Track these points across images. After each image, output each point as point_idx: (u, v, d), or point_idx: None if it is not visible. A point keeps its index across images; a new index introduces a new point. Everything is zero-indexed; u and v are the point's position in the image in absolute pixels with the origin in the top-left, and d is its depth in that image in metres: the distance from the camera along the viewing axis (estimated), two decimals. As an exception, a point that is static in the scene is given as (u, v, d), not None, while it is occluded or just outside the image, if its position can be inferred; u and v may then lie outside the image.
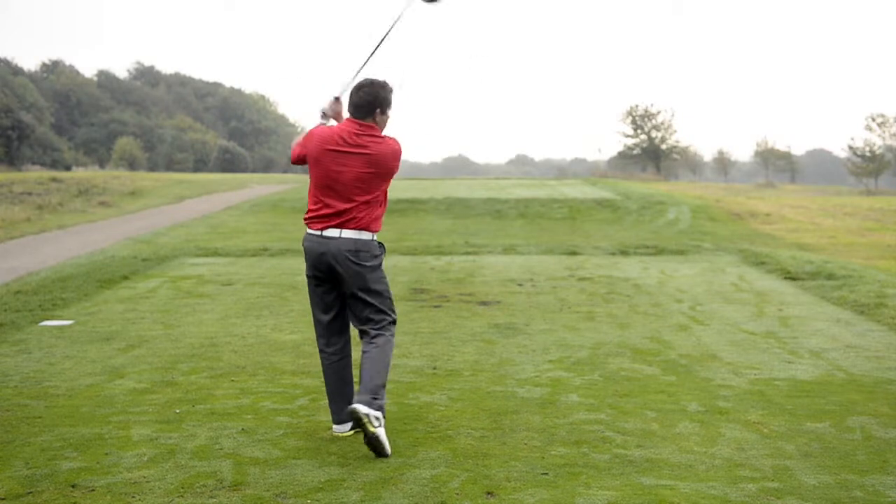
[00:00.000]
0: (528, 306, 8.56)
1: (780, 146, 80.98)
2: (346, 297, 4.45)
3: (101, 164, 64.79)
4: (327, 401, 4.65)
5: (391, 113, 4.46)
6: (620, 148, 79.17)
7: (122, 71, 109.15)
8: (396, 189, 26.97)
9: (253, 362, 6.18)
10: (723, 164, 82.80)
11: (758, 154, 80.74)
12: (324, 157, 4.35)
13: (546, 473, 3.93)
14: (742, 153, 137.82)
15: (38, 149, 61.93)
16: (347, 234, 4.31)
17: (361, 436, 4.23)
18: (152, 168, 68.76)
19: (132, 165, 63.41)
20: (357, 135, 4.33)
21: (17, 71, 72.51)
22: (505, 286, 9.97)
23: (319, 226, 4.37)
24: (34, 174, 36.11)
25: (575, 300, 8.98)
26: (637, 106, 77.84)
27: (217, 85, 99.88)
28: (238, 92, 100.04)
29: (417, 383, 5.58)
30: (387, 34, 4.65)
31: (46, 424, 4.66)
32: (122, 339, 6.95)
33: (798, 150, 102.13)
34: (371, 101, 4.34)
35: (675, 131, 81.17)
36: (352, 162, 4.30)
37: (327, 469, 4.00)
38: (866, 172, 66.03)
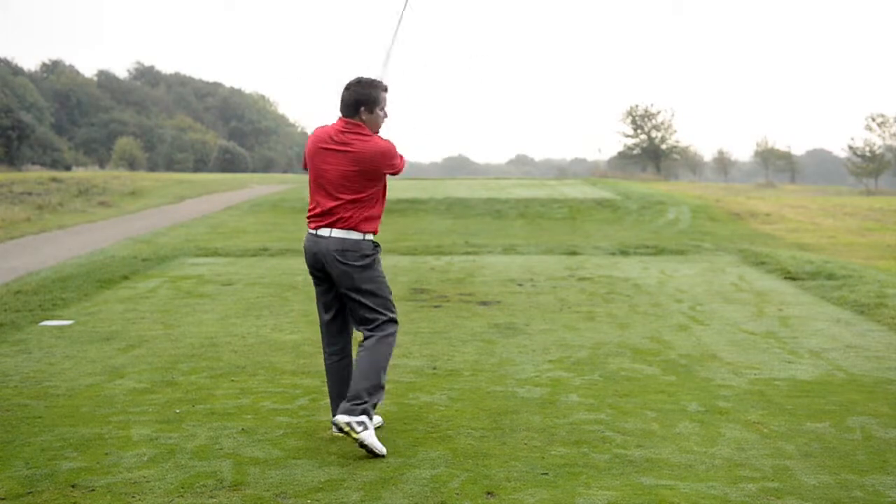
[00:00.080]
0: (528, 306, 8.57)
1: (780, 146, 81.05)
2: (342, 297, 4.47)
3: (101, 164, 64.79)
4: (328, 400, 4.65)
5: (385, 112, 4.39)
6: (620, 148, 79.22)
7: (122, 71, 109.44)
8: (396, 189, 27.00)
9: (253, 362, 6.18)
10: (723, 164, 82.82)
11: (758, 154, 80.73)
12: (315, 156, 4.39)
13: (546, 473, 3.93)
14: (742, 153, 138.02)
15: (38, 149, 61.93)
16: (336, 233, 4.33)
17: None
18: (152, 168, 68.78)
19: (132, 165, 63.42)
20: (343, 132, 4.35)
21: (17, 71, 72.57)
22: (505, 286, 9.97)
23: (314, 225, 4.41)
24: (34, 174, 36.11)
25: (575, 300, 8.98)
26: (637, 106, 77.88)
27: (217, 85, 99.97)
28: (238, 92, 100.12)
29: (417, 383, 5.58)
30: (395, 34, 4.61)
31: (46, 424, 4.66)
32: (122, 339, 6.95)
33: (798, 150, 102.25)
34: (356, 99, 4.34)
35: (675, 131, 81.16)
36: (336, 160, 4.31)
37: (327, 469, 4.00)
38: (866, 172, 66.00)
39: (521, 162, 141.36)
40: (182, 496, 3.66)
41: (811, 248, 16.95)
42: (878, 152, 65.69)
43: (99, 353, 6.47)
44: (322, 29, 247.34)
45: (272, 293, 9.42)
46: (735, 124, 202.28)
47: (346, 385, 4.53)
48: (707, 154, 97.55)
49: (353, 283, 4.34)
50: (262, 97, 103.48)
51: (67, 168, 57.37)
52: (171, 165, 72.37)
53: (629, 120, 77.92)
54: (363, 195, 4.33)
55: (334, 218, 4.33)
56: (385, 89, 4.40)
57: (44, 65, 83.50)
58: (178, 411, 4.93)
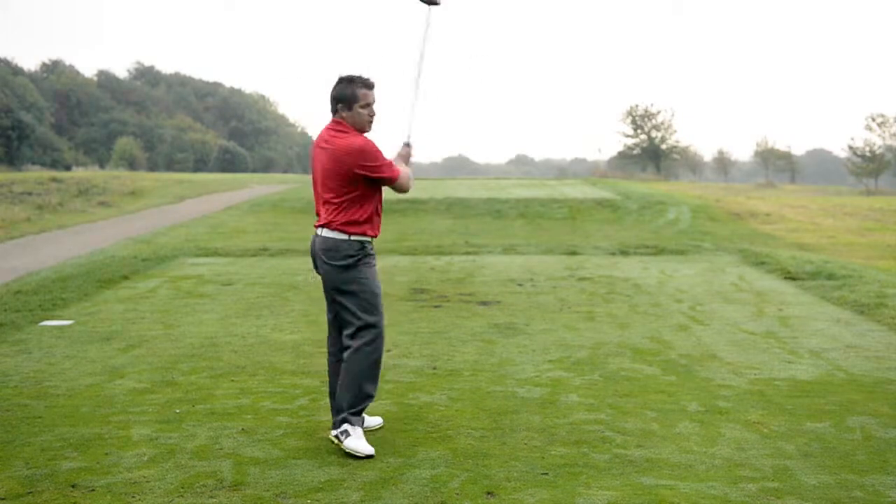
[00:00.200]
0: (528, 306, 8.57)
1: (780, 146, 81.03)
2: None
3: (101, 164, 64.74)
4: (328, 400, 4.65)
5: (368, 110, 4.29)
6: (620, 148, 79.24)
7: (122, 71, 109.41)
8: (396, 189, 26.93)
9: (253, 362, 6.18)
10: (723, 164, 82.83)
11: (758, 154, 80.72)
12: (313, 155, 4.46)
13: (546, 473, 3.93)
14: (742, 153, 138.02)
15: (38, 149, 61.97)
16: (324, 233, 4.35)
17: None
18: (152, 168, 68.78)
19: (132, 165, 63.42)
20: (328, 130, 4.37)
21: (17, 71, 72.52)
22: (505, 286, 9.97)
23: (315, 224, 4.46)
24: (34, 174, 36.11)
25: (575, 300, 8.98)
26: (637, 106, 77.91)
27: (217, 85, 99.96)
28: (238, 92, 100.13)
29: (417, 383, 5.58)
30: (421, 61, 4.48)
31: (46, 424, 4.67)
32: (122, 339, 6.95)
33: (798, 150, 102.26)
34: (334, 97, 4.33)
35: (675, 131, 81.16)
36: (322, 158, 4.33)
37: (327, 469, 4.00)
38: (866, 172, 65.98)
39: (521, 162, 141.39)
40: (182, 496, 3.66)
41: (811, 248, 16.95)
42: (878, 152, 65.67)
43: (99, 353, 6.47)
44: (322, 29, 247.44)
45: (272, 293, 9.42)
46: (735, 124, 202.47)
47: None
48: (707, 154, 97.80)
49: (334, 283, 4.35)
50: (262, 97, 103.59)
51: (67, 168, 57.36)
52: (171, 165, 72.38)
53: (629, 120, 77.96)
54: (343, 198, 4.28)
55: (323, 219, 4.36)
56: (366, 85, 4.29)
57: (44, 65, 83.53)
58: (178, 411, 4.93)
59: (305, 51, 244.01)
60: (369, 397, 4.35)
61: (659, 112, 77.26)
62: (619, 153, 79.35)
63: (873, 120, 66.75)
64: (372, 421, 4.62)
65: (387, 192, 4.52)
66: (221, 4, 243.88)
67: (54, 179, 30.71)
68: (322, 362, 5.64)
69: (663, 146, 76.95)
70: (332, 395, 4.54)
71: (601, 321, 7.79)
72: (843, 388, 5.47)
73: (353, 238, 4.30)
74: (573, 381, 5.64)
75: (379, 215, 4.45)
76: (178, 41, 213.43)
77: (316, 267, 4.45)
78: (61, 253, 14.15)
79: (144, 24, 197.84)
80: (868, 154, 65.95)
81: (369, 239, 4.38)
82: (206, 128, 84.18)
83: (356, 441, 4.19)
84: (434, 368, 5.99)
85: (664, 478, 3.88)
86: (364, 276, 4.34)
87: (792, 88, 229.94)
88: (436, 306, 8.56)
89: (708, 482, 3.83)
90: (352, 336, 4.36)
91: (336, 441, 4.28)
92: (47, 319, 7.76)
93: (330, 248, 4.32)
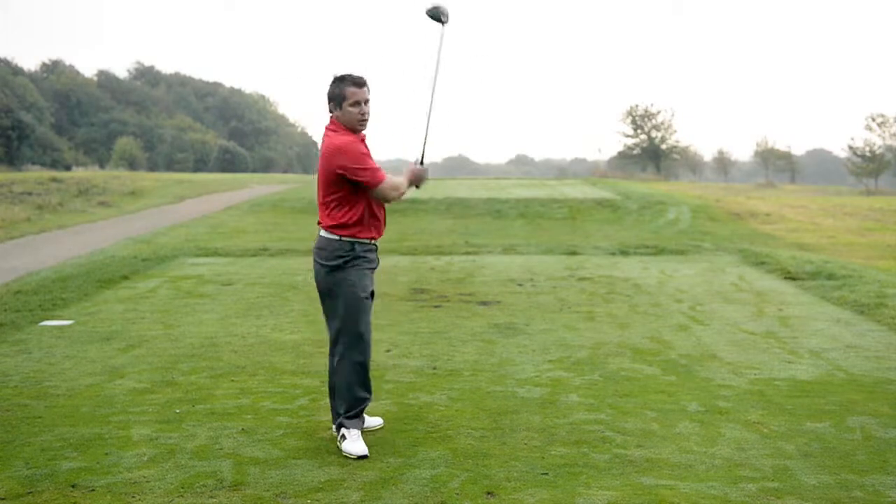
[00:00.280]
0: (528, 306, 8.56)
1: (780, 146, 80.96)
2: None
3: (101, 164, 64.73)
4: (328, 400, 4.65)
5: (358, 108, 4.25)
6: (620, 148, 79.20)
7: (122, 71, 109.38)
8: (396, 189, 26.92)
9: (253, 362, 6.18)
10: (723, 164, 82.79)
11: (758, 154, 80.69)
12: None
13: (546, 473, 3.93)
14: (742, 153, 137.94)
15: (38, 149, 61.93)
16: (320, 233, 4.37)
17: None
18: (152, 168, 68.76)
19: (132, 165, 63.40)
20: (324, 129, 4.40)
21: (17, 71, 72.51)
22: (505, 286, 9.97)
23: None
24: (34, 174, 36.09)
25: (575, 300, 8.98)
26: (637, 106, 77.87)
27: (217, 85, 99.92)
28: (238, 92, 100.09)
29: (417, 383, 5.58)
30: (434, 85, 4.42)
31: (46, 424, 4.67)
32: (122, 339, 6.95)
33: (798, 150, 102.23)
34: (327, 96, 4.34)
35: (675, 131, 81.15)
36: (320, 158, 4.38)
37: (327, 469, 4.00)
38: (866, 172, 65.95)
39: (521, 162, 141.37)
40: (182, 496, 3.66)
41: (811, 248, 16.95)
42: (878, 152, 65.64)
43: (99, 353, 6.47)
44: (322, 29, 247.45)
45: (272, 293, 9.42)
46: (735, 124, 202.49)
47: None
48: (707, 154, 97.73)
49: (323, 283, 4.35)
50: (262, 97, 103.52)
51: (67, 168, 57.34)
52: (171, 165, 72.37)
53: (629, 120, 77.94)
54: (330, 199, 4.28)
55: (319, 220, 4.39)
56: (355, 83, 4.24)
57: (44, 65, 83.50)
58: (178, 411, 4.93)
59: (305, 51, 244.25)
60: (364, 400, 4.36)
61: (659, 112, 77.28)
62: (619, 153, 79.33)
63: (873, 120, 66.74)
64: (372, 421, 4.62)
65: None
66: (221, 4, 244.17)
67: (54, 179, 30.69)
68: (322, 362, 5.65)
69: (663, 146, 76.93)
70: (332, 394, 4.55)
71: (601, 321, 7.79)
72: (843, 388, 5.47)
73: (343, 239, 4.28)
74: (573, 381, 5.64)
75: (377, 217, 4.37)
76: (178, 41, 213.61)
77: None
78: (61, 253, 14.14)
79: (144, 24, 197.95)
80: (868, 154, 65.92)
81: (366, 241, 4.32)
82: (206, 128, 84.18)
83: (351, 444, 4.21)
84: (434, 368, 5.99)
85: (664, 478, 3.88)
86: (351, 279, 4.28)
87: (792, 88, 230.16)
88: (436, 306, 8.56)
89: (708, 482, 3.83)
90: (335, 342, 4.36)
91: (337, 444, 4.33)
92: (47, 319, 7.76)
93: (322, 247, 4.34)
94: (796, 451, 4.25)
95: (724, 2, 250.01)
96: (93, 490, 3.73)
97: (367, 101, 4.30)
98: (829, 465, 4.05)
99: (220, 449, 4.27)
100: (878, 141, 66.45)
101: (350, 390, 4.31)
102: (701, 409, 5.00)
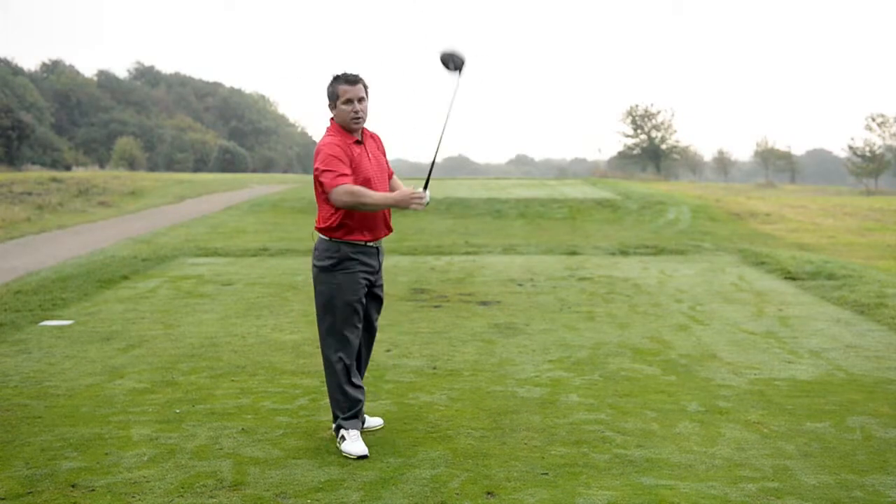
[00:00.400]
0: (528, 306, 8.56)
1: (780, 146, 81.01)
2: None
3: (101, 164, 64.72)
4: (328, 400, 4.65)
5: (351, 107, 4.22)
6: (620, 148, 79.22)
7: (122, 71, 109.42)
8: (396, 189, 26.92)
9: (253, 362, 6.18)
10: (723, 163, 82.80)
11: (758, 154, 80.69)
12: None
13: (546, 473, 3.93)
14: (742, 153, 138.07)
15: (38, 149, 61.93)
16: (316, 233, 4.40)
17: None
18: (152, 168, 68.76)
19: (132, 165, 63.37)
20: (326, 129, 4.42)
21: (17, 71, 72.55)
22: (505, 286, 9.97)
23: None
24: (34, 174, 36.07)
25: (575, 300, 8.98)
26: (637, 106, 77.88)
27: (217, 85, 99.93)
28: (238, 92, 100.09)
29: (417, 383, 5.58)
30: (448, 114, 4.36)
31: (46, 424, 4.67)
32: (122, 339, 6.95)
33: (798, 150, 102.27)
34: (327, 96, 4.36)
35: (675, 131, 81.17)
36: None
37: (327, 469, 4.00)
38: (866, 172, 65.95)
39: (521, 162, 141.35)
40: (182, 496, 3.66)
41: (811, 248, 16.94)
42: (878, 152, 65.63)
43: (99, 353, 6.47)
44: (322, 29, 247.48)
45: (272, 293, 9.42)
46: (735, 124, 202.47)
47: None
48: (707, 154, 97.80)
49: (314, 281, 4.39)
50: (262, 97, 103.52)
51: (67, 168, 57.33)
52: (171, 165, 72.37)
53: (629, 120, 77.94)
54: (317, 199, 4.33)
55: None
56: (347, 81, 4.22)
57: (44, 65, 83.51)
58: (178, 411, 4.93)
59: (305, 51, 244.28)
60: (356, 401, 4.34)
61: (659, 112, 77.29)
62: (619, 153, 79.35)
63: (873, 120, 66.72)
64: (373, 422, 4.62)
65: None
66: (221, 4, 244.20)
67: (54, 179, 30.68)
68: (322, 362, 5.64)
69: (663, 146, 76.94)
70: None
71: (601, 321, 7.79)
72: (843, 388, 5.47)
73: (332, 240, 4.28)
74: (573, 381, 5.64)
75: (372, 219, 4.29)
76: (178, 41, 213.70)
77: None
78: (61, 253, 14.14)
79: (144, 24, 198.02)
80: (868, 154, 65.92)
81: (358, 243, 4.27)
82: (206, 128, 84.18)
83: (350, 444, 4.21)
84: (434, 368, 5.99)
85: (664, 478, 3.88)
86: (338, 281, 4.27)
87: (792, 88, 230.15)
88: (436, 306, 8.56)
89: (708, 482, 3.83)
90: (320, 340, 4.40)
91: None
92: (47, 319, 7.76)
93: (315, 247, 4.39)
94: (796, 451, 4.25)
95: (724, 2, 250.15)
96: (93, 490, 3.73)
97: (360, 100, 4.24)
98: (829, 465, 4.05)
99: (220, 449, 4.27)
100: (878, 141, 66.48)
101: (336, 393, 4.33)
102: (701, 409, 5.00)
